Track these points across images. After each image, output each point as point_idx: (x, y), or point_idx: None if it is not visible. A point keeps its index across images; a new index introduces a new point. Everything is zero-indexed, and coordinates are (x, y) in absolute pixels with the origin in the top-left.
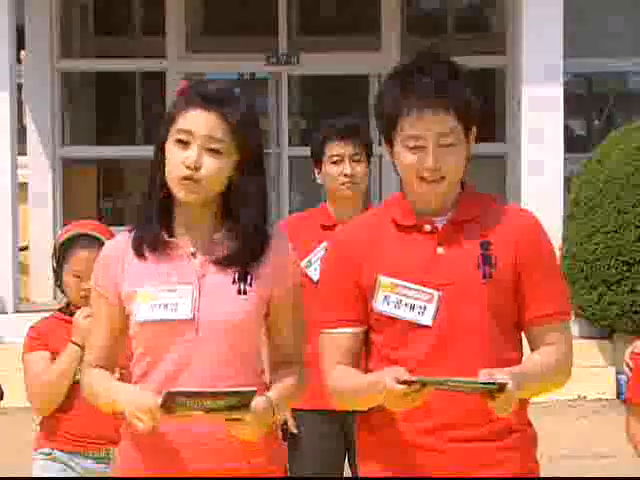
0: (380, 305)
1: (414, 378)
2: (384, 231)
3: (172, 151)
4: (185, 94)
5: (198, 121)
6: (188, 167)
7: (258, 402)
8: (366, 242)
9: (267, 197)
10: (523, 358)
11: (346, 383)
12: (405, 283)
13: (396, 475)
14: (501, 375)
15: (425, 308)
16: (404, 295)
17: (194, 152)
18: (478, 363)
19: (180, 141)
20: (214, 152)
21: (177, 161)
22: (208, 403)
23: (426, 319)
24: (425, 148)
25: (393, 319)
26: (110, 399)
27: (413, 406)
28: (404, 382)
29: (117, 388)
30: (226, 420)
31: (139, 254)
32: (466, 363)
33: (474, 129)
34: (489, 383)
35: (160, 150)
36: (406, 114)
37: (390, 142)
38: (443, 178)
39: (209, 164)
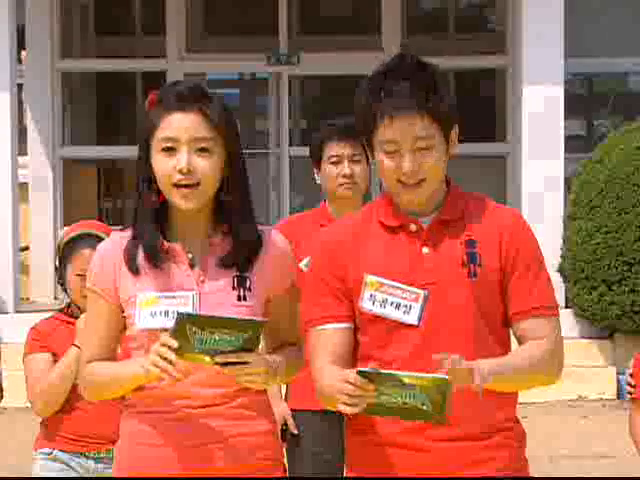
0: (366, 304)
1: (369, 370)
2: (370, 231)
3: (160, 161)
4: (154, 103)
5: (180, 125)
6: (180, 172)
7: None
8: (352, 242)
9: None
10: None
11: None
12: (391, 282)
13: (383, 475)
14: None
15: (411, 307)
16: (390, 294)
17: (183, 156)
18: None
19: (166, 149)
20: (203, 152)
21: (168, 169)
22: (217, 338)
23: (412, 318)
24: (401, 153)
25: (379, 318)
26: (119, 374)
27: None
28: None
29: (122, 363)
30: (230, 366)
31: (133, 264)
32: None
33: (455, 129)
34: (439, 377)
35: (144, 163)
36: (380, 119)
37: (371, 146)
38: (423, 180)
39: (201, 165)
